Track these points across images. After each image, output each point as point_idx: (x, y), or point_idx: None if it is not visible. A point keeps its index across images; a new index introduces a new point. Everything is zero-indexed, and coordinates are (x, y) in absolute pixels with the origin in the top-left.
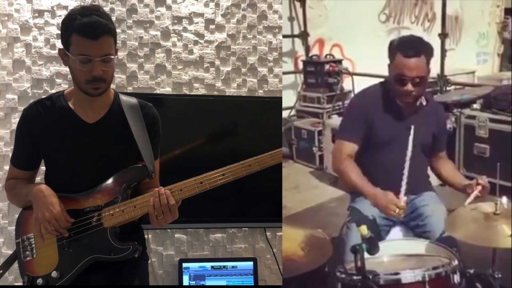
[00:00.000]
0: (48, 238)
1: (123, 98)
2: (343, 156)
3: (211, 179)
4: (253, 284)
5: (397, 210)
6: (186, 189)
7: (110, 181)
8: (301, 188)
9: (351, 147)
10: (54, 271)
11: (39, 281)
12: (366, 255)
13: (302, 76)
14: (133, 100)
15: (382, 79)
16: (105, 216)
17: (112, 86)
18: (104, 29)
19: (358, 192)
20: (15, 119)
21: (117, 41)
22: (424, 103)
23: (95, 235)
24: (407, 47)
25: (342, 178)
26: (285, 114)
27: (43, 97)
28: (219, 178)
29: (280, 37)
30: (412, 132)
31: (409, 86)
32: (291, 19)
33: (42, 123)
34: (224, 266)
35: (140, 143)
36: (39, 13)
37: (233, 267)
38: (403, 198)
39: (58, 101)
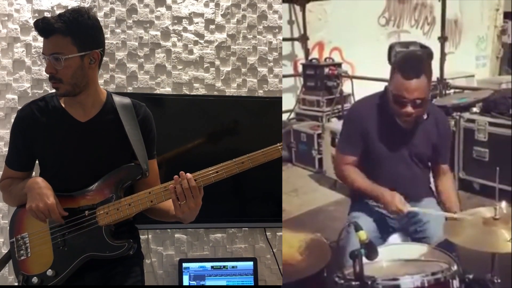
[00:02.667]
0: (43, 237)
1: (116, 98)
2: (344, 166)
3: (204, 176)
4: (253, 284)
5: (400, 213)
6: None
7: (104, 179)
8: (300, 191)
9: (350, 159)
10: (49, 270)
11: (34, 279)
12: (364, 260)
13: (301, 79)
14: (127, 100)
15: (381, 83)
16: (100, 215)
17: (112, 86)
18: (52, 28)
19: (364, 195)
20: None
21: (104, 42)
22: (425, 117)
23: (90, 233)
24: (407, 68)
25: (347, 184)
26: (284, 117)
27: (36, 98)
28: (212, 175)
29: (280, 37)
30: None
31: (409, 108)
32: (290, 22)
33: (36, 124)
34: (224, 266)
35: (133, 142)
36: (39, 13)
37: (233, 267)
38: (407, 204)
39: (51, 101)
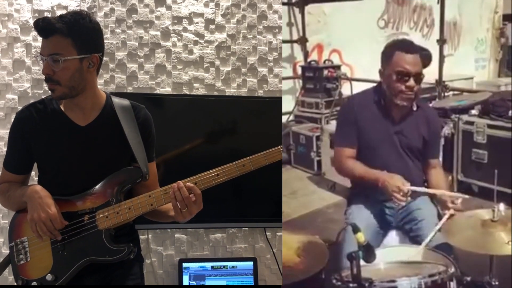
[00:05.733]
0: (42, 241)
1: (115, 100)
2: (344, 159)
3: (205, 179)
4: (253, 284)
5: (401, 193)
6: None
7: (103, 183)
8: (298, 193)
9: (349, 152)
10: (49, 274)
11: (34, 284)
12: (362, 262)
13: (300, 81)
14: (125, 101)
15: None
16: (100, 218)
17: (112, 86)
18: (53, 28)
19: (364, 181)
20: None
21: (104, 46)
22: (415, 108)
23: (89, 237)
24: (406, 45)
25: (348, 176)
26: (283, 119)
27: (36, 100)
28: (213, 178)
29: (280, 37)
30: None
31: (412, 82)
32: (290, 24)
33: (35, 126)
34: (224, 266)
35: (133, 145)
36: (39, 13)
37: (233, 267)
38: (407, 184)
39: (50, 104)
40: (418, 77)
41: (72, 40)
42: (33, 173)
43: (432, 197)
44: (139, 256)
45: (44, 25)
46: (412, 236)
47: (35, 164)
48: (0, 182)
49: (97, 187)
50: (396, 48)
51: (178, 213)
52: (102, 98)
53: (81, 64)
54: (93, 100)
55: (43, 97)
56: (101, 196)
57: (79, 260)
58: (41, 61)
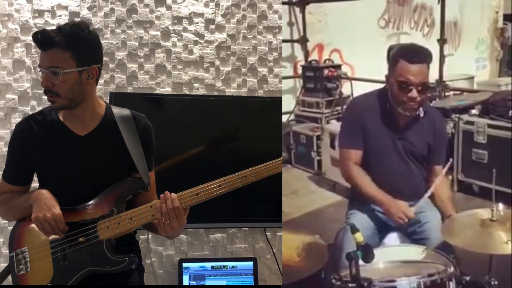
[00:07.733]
0: (42, 251)
1: (115, 110)
2: (351, 165)
3: (207, 190)
4: (253, 284)
5: (406, 219)
6: (182, 200)
7: (105, 193)
8: (299, 193)
9: (355, 154)
10: (49, 285)
11: None
12: (361, 262)
13: (301, 81)
14: (126, 111)
15: (380, 85)
16: (101, 229)
17: (112, 86)
18: (52, 42)
19: (369, 200)
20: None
21: (103, 57)
22: (422, 114)
23: (90, 247)
24: (410, 54)
25: (354, 188)
26: (283, 118)
27: (34, 112)
28: (215, 189)
29: (280, 37)
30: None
31: (414, 93)
32: (290, 24)
33: (34, 138)
34: (224, 266)
35: (134, 155)
36: (39, 13)
37: (233, 267)
38: (411, 209)
39: (49, 115)
40: (423, 87)
41: (71, 52)
42: (35, 185)
43: (434, 202)
44: (140, 266)
45: (43, 38)
46: (416, 239)
47: (35, 176)
48: (0, 194)
49: (98, 197)
50: (400, 55)
51: (160, 227)
52: (102, 108)
53: (80, 76)
54: (92, 110)
55: (41, 108)
56: (102, 207)
57: (79, 270)
58: (39, 74)
